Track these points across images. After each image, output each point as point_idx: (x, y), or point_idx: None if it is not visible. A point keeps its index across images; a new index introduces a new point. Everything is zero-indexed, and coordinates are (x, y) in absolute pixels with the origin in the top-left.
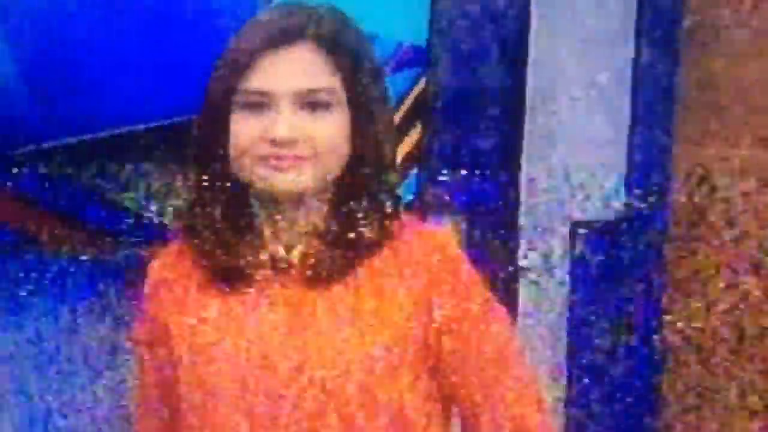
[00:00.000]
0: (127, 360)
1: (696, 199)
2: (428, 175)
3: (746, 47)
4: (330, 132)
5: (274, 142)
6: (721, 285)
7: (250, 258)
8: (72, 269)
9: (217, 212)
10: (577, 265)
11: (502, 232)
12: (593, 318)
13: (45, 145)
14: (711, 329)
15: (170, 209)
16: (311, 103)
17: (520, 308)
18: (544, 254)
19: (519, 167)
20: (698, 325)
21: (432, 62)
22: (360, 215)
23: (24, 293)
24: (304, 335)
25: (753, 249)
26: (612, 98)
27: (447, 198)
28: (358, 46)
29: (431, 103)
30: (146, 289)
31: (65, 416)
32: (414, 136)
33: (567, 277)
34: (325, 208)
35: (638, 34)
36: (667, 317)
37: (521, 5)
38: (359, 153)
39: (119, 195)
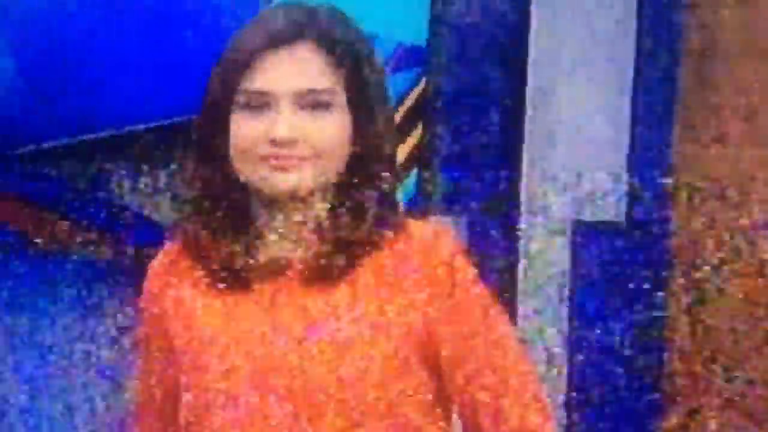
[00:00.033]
0: (127, 360)
1: (696, 199)
2: (428, 175)
3: (746, 47)
4: (330, 132)
5: (274, 142)
6: (722, 284)
7: (250, 258)
8: (72, 269)
9: (217, 212)
10: (578, 264)
11: (502, 232)
12: (594, 318)
13: (45, 145)
14: (711, 328)
15: (170, 209)
16: (311, 103)
17: (520, 308)
18: (545, 255)
19: (519, 167)
20: (699, 324)
21: (432, 62)
22: (360, 215)
23: (24, 293)
24: (303, 336)
25: (754, 248)
26: (612, 98)
27: (447, 198)
28: (358, 46)
29: (431, 103)
30: (146, 289)
31: (65, 415)
32: (414, 136)
33: (567, 277)
34: (326, 208)
35: (638, 34)
36: (668, 316)
37: (521, 5)
38: (359, 153)
39: (119, 195)
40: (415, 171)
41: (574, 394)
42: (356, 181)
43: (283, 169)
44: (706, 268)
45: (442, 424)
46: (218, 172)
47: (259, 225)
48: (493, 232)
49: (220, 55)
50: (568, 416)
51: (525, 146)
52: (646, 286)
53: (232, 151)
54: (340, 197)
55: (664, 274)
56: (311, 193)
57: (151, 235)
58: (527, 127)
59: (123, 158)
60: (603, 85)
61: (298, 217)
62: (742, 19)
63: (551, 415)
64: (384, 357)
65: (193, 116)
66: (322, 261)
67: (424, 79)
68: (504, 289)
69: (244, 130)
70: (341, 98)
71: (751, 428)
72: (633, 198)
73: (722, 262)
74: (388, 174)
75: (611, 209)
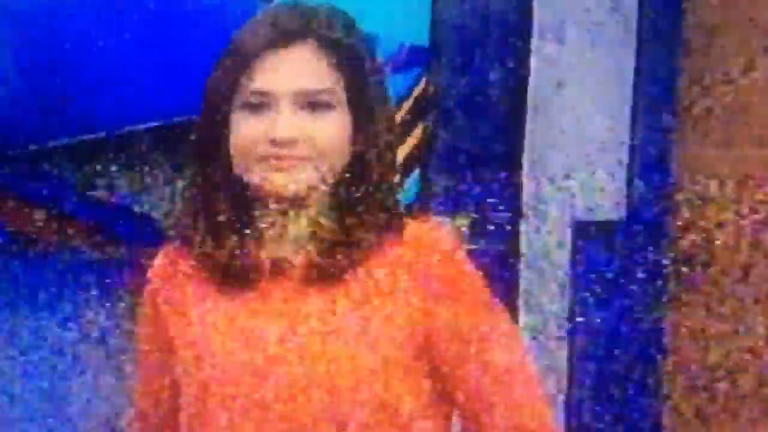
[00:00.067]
0: (128, 360)
1: (696, 199)
2: (429, 176)
3: (746, 48)
4: (330, 132)
5: (274, 142)
6: (722, 284)
7: (250, 259)
8: (72, 269)
9: (217, 212)
10: (579, 264)
11: (503, 232)
12: (594, 317)
13: (45, 145)
14: (711, 328)
15: (170, 209)
16: (312, 103)
17: (521, 308)
18: (545, 254)
19: (520, 167)
20: (699, 323)
21: (433, 62)
22: (360, 216)
23: (24, 293)
24: (303, 336)
25: (754, 249)
26: (612, 98)
27: (448, 198)
28: (358, 46)
29: (432, 104)
30: (146, 290)
31: (65, 415)
32: (414, 136)
33: (568, 277)
34: (326, 208)
35: (638, 34)
36: (668, 316)
37: (522, 6)
38: (360, 153)
39: (119, 195)
40: (416, 171)
41: (574, 394)
42: (356, 181)
43: (283, 169)
44: (706, 268)
45: (442, 424)
46: (218, 172)
47: (259, 225)
48: (494, 232)
49: (220, 55)
50: (568, 416)
51: (525, 146)
52: (646, 286)
53: (232, 151)
54: (340, 197)
55: (664, 274)
56: (311, 193)
57: (151, 235)
58: (527, 127)
59: (123, 158)
60: (603, 85)
61: (297, 218)
62: (742, 18)
63: (551, 415)
64: (384, 357)
65: (193, 116)
66: (322, 261)
67: (424, 79)
68: (504, 288)
69: (244, 130)
70: (341, 98)
71: (752, 428)
72: (633, 198)
73: (722, 262)
74: (388, 174)
75: (611, 209)
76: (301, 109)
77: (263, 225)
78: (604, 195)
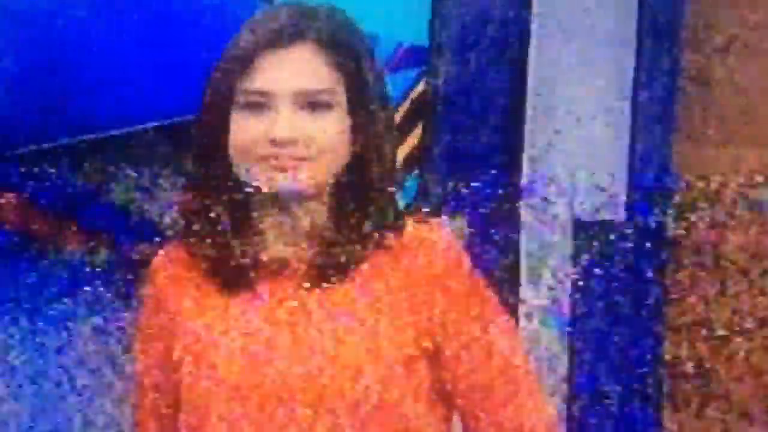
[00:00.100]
0: (127, 360)
1: (696, 199)
2: (429, 176)
3: (746, 47)
4: (330, 132)
5: (273, 143)
6: (723, 284)
7: (249, 259)
8: (72, 269)
9: (217, 212)
10: (579, 265)
11: (503, 232)
12: (594, 318)
13: (45, 145)
14: (711, 328)
15: (170, 209)
16: (311, 103)
17: (521, 309)
18: (545, 255)
19: (519, 167)
20: (699, 324)
21: (432, 62)
22: (360, 216)
23: (24, 293)
24: (304, 336)
25: (754, 248)
26: (612, 99)
27: (448, 199)
28: (358, 46)
29: (432, 104)
30: (146, 290)
31: (65, 415)
32: (414, 136)
33: (568, 278)
34: (325, 208)
35: (638, 34)
36: (668, 316)
37: (522, 5)
38: (359, 153)
39: (119, 195)
40: (415, 171)
41: (574, 394)
42: (356, 181)
43: (283, 169)
44: (707, 268)
45: (442, 424)
46: (218, 172)
47: (258, 225)
48: (493, 233)
49: (220, 55)
50: (569, 416)
51: (525, 146)
52: (645, 286)
53: (231, 151)
54: (340, 197)
55: (664, 273)
56: (311, 193)
57: (151, 235)
58: (527, 127)
59: (123, 158)
60: (603, 86)
61: (297, 218)
62: (742, 19)
63: (551, 415)
64: (384, 357)
65: (193, 116)
66: (322, 261)
67: (424, 80)
68: (504, 289)
69: (244, 129)
70: (341, 98)
71: (752, 428)
72: (633, 198)
73: (723, 262)
74: (387, 174)
75: (611, 209)
76: (300, 109)
77: (263, 225)
78: (604, 195)
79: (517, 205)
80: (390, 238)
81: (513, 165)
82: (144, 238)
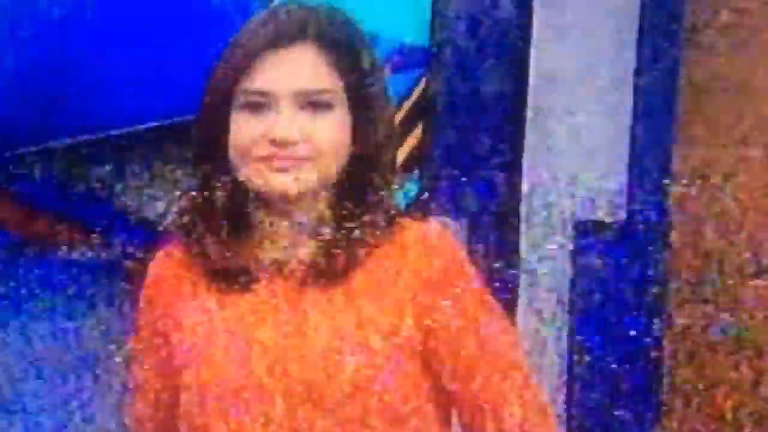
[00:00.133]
0: (127, 360)
1: (697, 200)
2: (429, 176)
3: (746, 47)
4: (330, 132)
5: (274, 143)
6: (723, 285)
7: (248, 259)
8: (72, 269)
9: (217, 212)
10: (579, 265)
11: (503, 233)
12: (594, 318)
13: (45, 145)
14: (712, 329)
15: (170, 209)
16: (312, 103)
17: (521, 310)
18: (545, 255)
19: (520, 168)
20: (699, 325)
21: (433, 63)
22: (360, 216)
23: (24, 293)
24: (303, 336)
25: (754, 249)
26: (612, 99)
27: (448, 199)
28: (358, 46)
29: (432, 104)
30: (145, 290)
31: (64, 417)
32: (415, 136)
33: (568, 279)
34: (325, 208)
35: (638, 34)
36: (668, 317)
37: (522, 6)
38: (360, 154)
39: (119, 195)
40: (416, 172)
41: (574, 394)
42: (356, 181)
43: (283, 169)
44: (707, 268)
45: (441, 425)
46: (218, 172)
47: (258, 225)
48: (493, 233)
49: (220, 55)
50: (568, 416)
51: (525, 146)
52: (646, 286)
53: (231, 152)
54: (340, 198)
55: (664, 274)
56: (311, 193)
57: (150, 236)
58: (528, 127)
59: (123, 158)
60: (603, 86)
61: (297, 218)
62: (742, 19)
63: (551, 415)
64: (383, 357)
65: (193, 116)
66: (322, 262)
67: (424, 80)
68: (504, 289)
69: (244, 130)
70: (341, 98)
71: (752, 429)
72: (633, 198)
73: (723, 262)
74: (387, 174)
75: (611, 209)
76: (301, 110)
77: (262, 225)
78: (604, 195)
79: (517, 205)
80: (390, 238)
81: (513, 165)
82: (144, 238)
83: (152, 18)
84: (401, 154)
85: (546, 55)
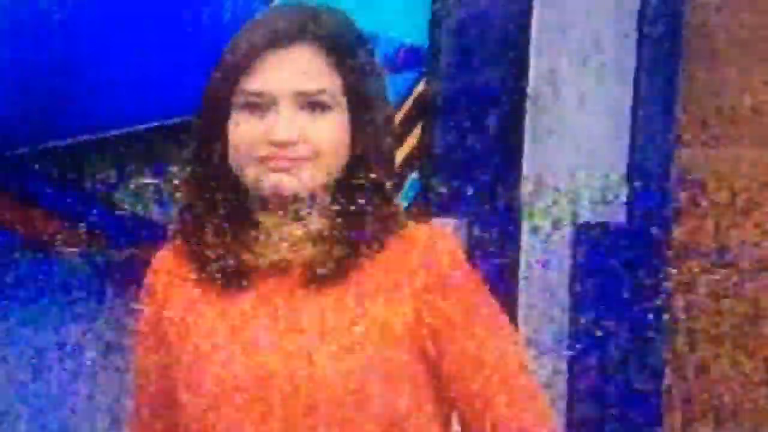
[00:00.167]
0: (127, 361)
1: (696, 199)
2: (429, 176)
3: (747, 48)
4: (330, 133)
5: (273, 143)
6: (723, 285)
7: (248, 259)
8: (72, 269)
9: (217, 213)
10: (579, 265)
11: (503, 233)
12: (594, 318)
13: (45, 145)
14: (712, 329)
15: (170, 209)
16: (311, 103)
17: (521, 310)
18: (545, 255)
19: (519, 168)
20: (700, 325)
21: (432, 63)
22: (359, 216)
23: (24, 293)
24: (303, 336)
25: (754, 249)
26: (612, 98)
27: (447, 199)
28: (358, 47)
29: (431, 104)
30: (145, 290)
31: (64, 416)
32: (414, 136)
33: (568, 279)
34: (326, 208)
35: (639, 34)
36: (668, 317)
37: (522, 6)
38: (359, 154)
39: (119, 195)
40: (415, 172)
41: (574, 394)
42: (356, 182)
43: (283, 170)
44: (707, 268)
45: (441, 425)
46: (218, 173)
47: (258, 226)
48: (493, 233)
49: (220, 55)
50: (569, 417)
51: (525, 147)
52: (646, 286)
53: (231, 152)
54: (340, 198)
55: (664, 274)
56: (311, 193)
57: (150, 236)
58: (527, 127)
59: (123, 158)
60: (603, 86)
61: (297, 218)
62: (742, 19)
63: (551, 416)
64: (383, 359)
65: (193, 116)
66: (322, 262)
67: (424, 80)
68: (504, 290)
69: (244, 130)
70: (341, 99)
71: (754, 428)
72: (633, 198)
73: (723, 262)
74: (387, 174)
75: (611, 209)
76: (300, 110)
77: (262, 225)
78: (604, 196)
79: (517, 206)
80: (389, 238)
81: (513, 165)
82: (144, 238)
83: (152, 18)
84: (401, 154)
85: (545, 55)
